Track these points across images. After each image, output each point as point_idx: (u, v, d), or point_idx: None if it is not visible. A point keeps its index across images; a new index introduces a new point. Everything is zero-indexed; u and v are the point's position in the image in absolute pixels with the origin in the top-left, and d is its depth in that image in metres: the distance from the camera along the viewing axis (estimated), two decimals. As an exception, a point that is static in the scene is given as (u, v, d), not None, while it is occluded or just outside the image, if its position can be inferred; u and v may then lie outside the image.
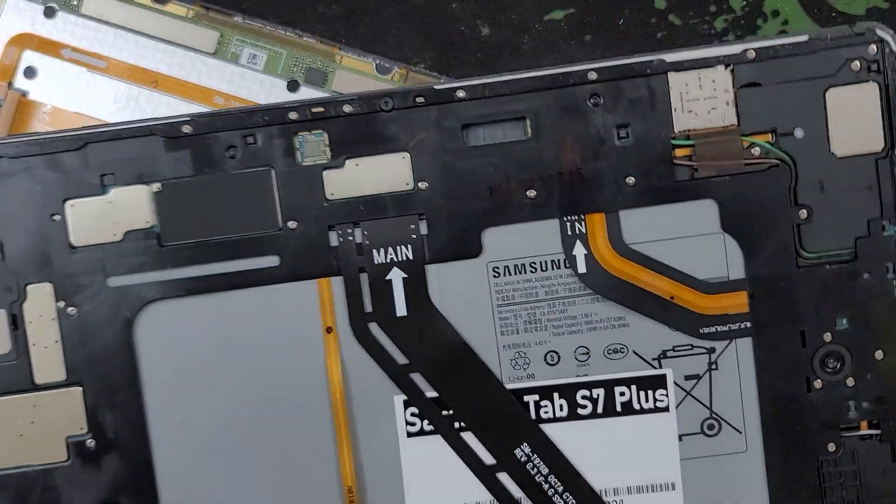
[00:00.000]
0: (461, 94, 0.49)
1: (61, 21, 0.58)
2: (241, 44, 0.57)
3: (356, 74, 0.57)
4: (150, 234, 0.50)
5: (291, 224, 0.50)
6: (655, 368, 0.50)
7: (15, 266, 0.50)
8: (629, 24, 0.54)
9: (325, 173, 0.50)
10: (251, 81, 0.58)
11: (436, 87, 0.49)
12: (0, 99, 0.58)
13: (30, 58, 0.58)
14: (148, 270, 0.50)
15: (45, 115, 0.58)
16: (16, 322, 0.50)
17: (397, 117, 0.49)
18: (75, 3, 0.58)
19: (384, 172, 0.50)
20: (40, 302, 0.50)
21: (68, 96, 0.58)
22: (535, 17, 0.55)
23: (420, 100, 0.49)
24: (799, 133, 0.49)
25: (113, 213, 0.50)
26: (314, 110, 0.49)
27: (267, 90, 0.58)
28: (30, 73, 0.58)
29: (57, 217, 0.50)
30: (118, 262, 0.50)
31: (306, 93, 0.58)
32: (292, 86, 0.58)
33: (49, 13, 0.58)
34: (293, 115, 0.49)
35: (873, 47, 0.49)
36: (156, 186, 0.50)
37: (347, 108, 0.49)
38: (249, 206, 0.50)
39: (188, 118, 0.49)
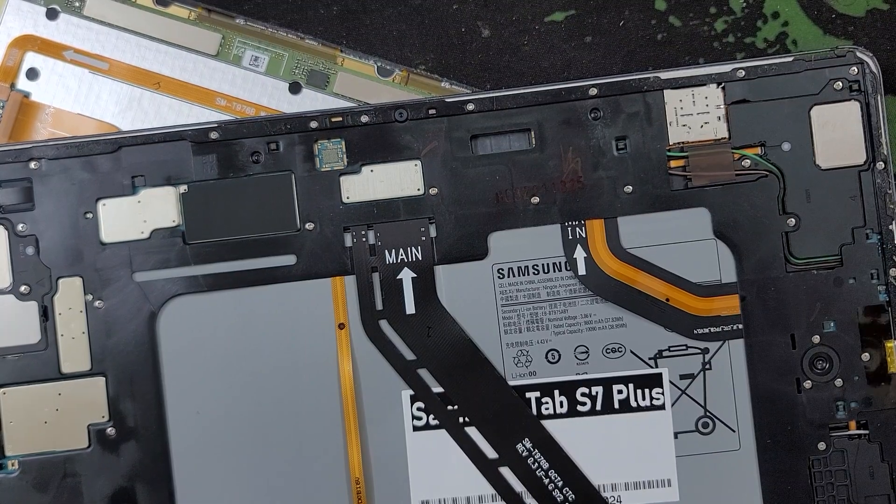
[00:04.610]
0: (470, 106, 0.53)
1: (63, 23, 0.58)
2: (244, 46, 0.58)
3: (358, 77, 0.58)
4: (175, 232, 0.53)
5: (309, 225, 0.53)
6: (651, 368, 0.52)
7: (48, 260, 0.53)
8: (629, 26, 0.56)
9: (341, 178, 0.53)
10: (253, 83, 0.58)
11: (447, 99, 0.53)
12: (2, 101, 0.57)
13: (32, 59, 0.58)
14: (172, 267, 0.53)
15: (48, 116, 0.58)
16: (46, 314, 0.53)
17: (410, 127, 0.53)
18: (77, 4, 0.58)
19: (397, 178, 0.53)
20: (70, 295, 0.53)
21: (70, 98, 0.58)
22: (536, 18, 0.57)
23: (432, 111, 0.53)
24: (786, 146, 0.52)
25: (141, 212, 0.53)
26: (333, 119, 0.53)
27: (269, 92, 0.58)
28: (32, 74, 0.58)
29: (89, 215, 0.53)
30: (144, 258, 0.53)
31: (308, 95, 0.58)
32: (294, 88, 0.58)
33: (51, 15, 0.58)
34: (314, 124, 0.53)
35: (854, 69, 0.52)
36: (183, 188, 0.53)
37: (364, 119, 0.53)
38: (270, 208, 0.53)
39: (216, 125, 0.53)
